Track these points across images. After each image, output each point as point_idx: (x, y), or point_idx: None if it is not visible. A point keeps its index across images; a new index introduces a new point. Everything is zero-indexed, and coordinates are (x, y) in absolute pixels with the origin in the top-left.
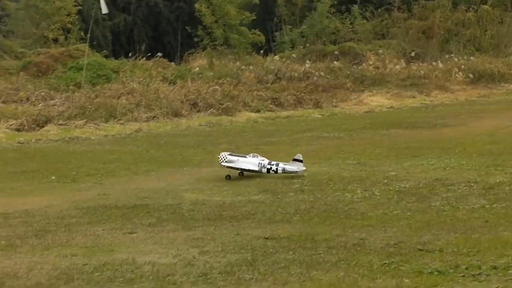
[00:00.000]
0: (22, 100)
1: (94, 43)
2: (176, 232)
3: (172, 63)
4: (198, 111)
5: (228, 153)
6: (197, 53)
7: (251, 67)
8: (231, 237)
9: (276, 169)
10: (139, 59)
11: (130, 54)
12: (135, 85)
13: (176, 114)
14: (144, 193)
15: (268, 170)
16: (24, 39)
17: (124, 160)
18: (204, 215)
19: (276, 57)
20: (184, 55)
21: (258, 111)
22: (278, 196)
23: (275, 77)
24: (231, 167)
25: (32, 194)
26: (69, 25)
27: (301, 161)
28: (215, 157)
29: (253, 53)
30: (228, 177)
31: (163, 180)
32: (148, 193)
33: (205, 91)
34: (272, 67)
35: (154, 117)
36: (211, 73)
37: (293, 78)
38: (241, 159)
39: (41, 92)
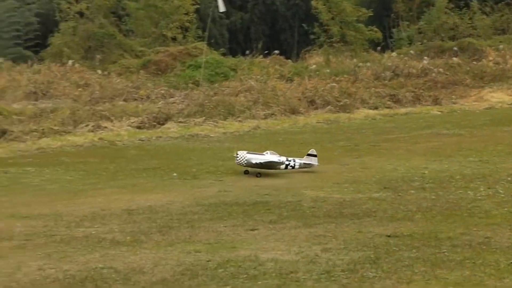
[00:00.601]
0: (142, 98)
1: (212, 41)
2: (297, 229)
3: (289, 60)
4: (316, 108)
5: (246, 151)
6: (314, 50)
7: (368, 63)
8: (353, 235)
9: (294, 164)
10: (256, 57)
11: (247, 52)
12: (252, 83)
13: (294, 111)
14: (264, 190)
15: (286, 166)
16: (143, 38)
17: None
18: (324, 212)
19: (394, 54)
20: (300, 52)
21: (376, 108)
22: (399, 194)
23: (392, 73)
24: (252, 166)
25: (154, 190)
26: (187, 24)
27: (315, 155)
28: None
29: (370, 49)
30: (247, 172)
31: (283, 177)
32: (268, 190)
33: (322, 88)
34: (390, 64)
35: (272, 114)
36: (328, 70)
37: (411, 75)
38: (259, 157)
39: (160, 90)
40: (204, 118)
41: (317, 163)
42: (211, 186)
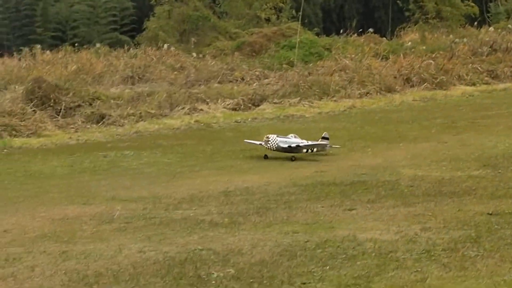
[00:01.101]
0: (237, 80)
1: (306, 21)
2: (395, 208)
3: (384, 38)
4: (412, 86)
5: (276, 135)
6: (409, 27)
7: (465, 39)
8: (453, 213)
9: (313, 148)
10: (351, 36)
11: (341, 31)
12: (347, 62)
13: (389, 90)
14: (361, 169)
15: (307, 150)
16: (237, 19)
17: (339, 137)
18: (423, 191)
19: (491, 29)
20: (395, 30)
21: (474, 84)
22: (500, 171)
23: (490, 49)
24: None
25: (251, 172)
26: (280, 4)
27: (327, 138)
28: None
29: (467, 25)
30: (266, 157)
31: (380, 156)
32: (365, 170)
33: (418, 65)
34: (487, 39)
35: (367, 93)
36: (424, 47)
37: (509, 50)
38: (288, 140)
39: (255, 71)
40: (299, 98)
41: (329, 146)
42: (308, 167)
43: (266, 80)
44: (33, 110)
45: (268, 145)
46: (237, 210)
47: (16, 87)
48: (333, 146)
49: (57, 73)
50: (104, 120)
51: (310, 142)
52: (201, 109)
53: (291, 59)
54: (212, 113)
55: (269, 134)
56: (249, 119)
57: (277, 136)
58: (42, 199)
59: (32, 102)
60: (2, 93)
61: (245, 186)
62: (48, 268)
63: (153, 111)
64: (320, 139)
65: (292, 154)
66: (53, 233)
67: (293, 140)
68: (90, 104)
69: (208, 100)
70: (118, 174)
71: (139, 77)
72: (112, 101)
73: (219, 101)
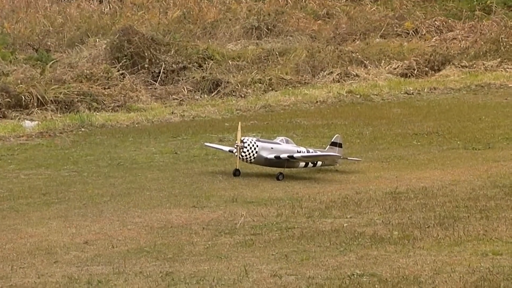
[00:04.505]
0: (408, 33)
1: None
2: None
3: None
4: None
5: (255, 137)
6: None
7: None
8: None
9: (315, 162)
10: None
11: None
12: None
13: None
14: None
15: (306, 164)
16: None
17: None
18: None
19: None
20: None
21: None
22: None
23: None
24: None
25: (430, 165)
26: None
27: (340, 145)
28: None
29: None
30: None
31: None
32: None
33: None
34: None
35: None
36: None
37: None
38: (275, 146)
39: (434, 20)
40: (498, 60)
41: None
42: None
43: (451, 33)
44: (121, 74)
45: (243, 154)
46: (411, 220)
47: (98, 41)
48: (349, 158)
49: (154, 22)
50: (219, 88)
51: (312, 151)
52: (357, 75)
53: (488, 2)
54: (373, 80)
55: (246, 136)
56: (426, 90)
57: (257, 140)
58: (135, 199)
59: (119, 62)
60: (77, 49)
61: (422, 185)
62: None
63: (287, 77)
64: (328, 146)
65: (280, 170)
66: (152, 246)
67: (283, 147)
68: (200, 66)
69: (366, 62)
70: (241, 165)
71: (268, 28)
72: (230, 62)
73: (382, 63)
